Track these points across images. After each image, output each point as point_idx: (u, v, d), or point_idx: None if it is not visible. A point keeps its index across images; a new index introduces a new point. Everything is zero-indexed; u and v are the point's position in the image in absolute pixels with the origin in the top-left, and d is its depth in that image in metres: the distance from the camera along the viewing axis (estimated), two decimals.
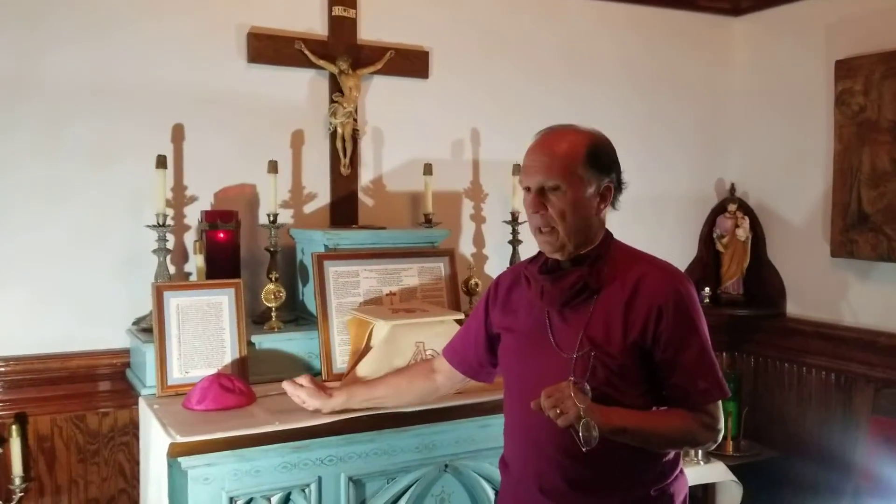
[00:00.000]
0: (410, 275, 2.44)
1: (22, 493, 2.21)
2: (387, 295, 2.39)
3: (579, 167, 1.56)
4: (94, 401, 2.41)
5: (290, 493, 1.91)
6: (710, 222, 3.39)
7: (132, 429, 2.40)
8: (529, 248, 2.82)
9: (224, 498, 1.83)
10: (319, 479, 1.93)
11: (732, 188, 3.39)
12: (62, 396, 2.37)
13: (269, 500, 1.89)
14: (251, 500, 1.87)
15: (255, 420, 1.90)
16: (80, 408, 2.39)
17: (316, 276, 2.30)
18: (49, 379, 2.35)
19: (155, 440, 1.93)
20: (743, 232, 3.29)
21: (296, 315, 2.50)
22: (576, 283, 1.57)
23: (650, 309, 1.54)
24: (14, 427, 2.20)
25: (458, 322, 2.20)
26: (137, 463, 2.37)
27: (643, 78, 3.26)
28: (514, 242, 2.82)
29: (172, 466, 1.82)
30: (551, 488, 1.58)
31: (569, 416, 1.40)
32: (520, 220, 2.80)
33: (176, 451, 1.77)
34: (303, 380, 1.91)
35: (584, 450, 1.40)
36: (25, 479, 2.29)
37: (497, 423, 2.09)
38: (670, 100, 3.31)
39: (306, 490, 1.92)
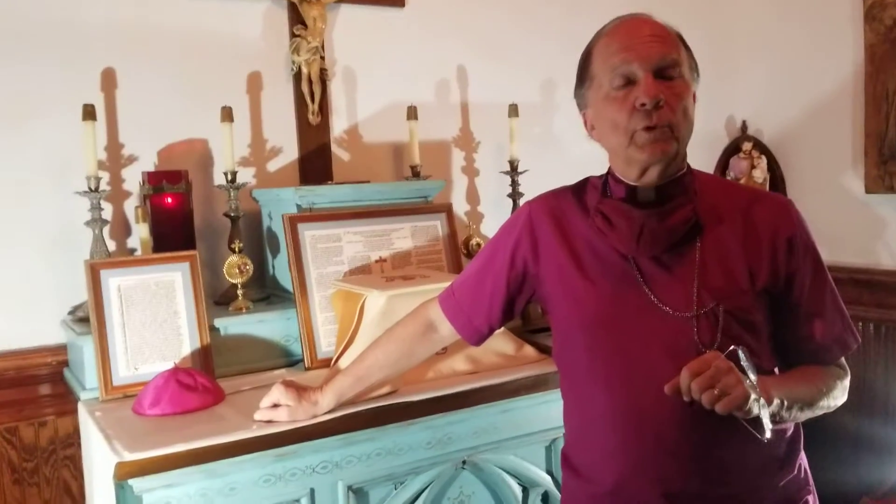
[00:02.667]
0: (402, 236, 2.05)
1: None
2: (376, 261, 2.00)
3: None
4: (27, 409, 1.98)
5: None
6: (723, 165, 3.04)
7: (77, 439, 1.98)
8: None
9: None
10: (312, 492, 1.54)
11: (744, 125, 3.05)
12: None
13: None
14: None
15: (226, 424, 1.51)
16: (10, 418, 1.96)
17: (289, 243, 1.90)
18: None
19: (98, 457, 1.52)
20: (760, 173, 2.95)
21: (267, 293, 2.09)
22: (688, 219, 1.21)
23: (776, 244, 1.20)
24: None
25: None
26: None
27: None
28: (515, 196, 2.44)
29: (122, 490, 1.41)
30: (680, 493, 1.21)
31: (736, 398, 1.06)
32: (519, 170, 2.42)
33: (125, 472, 1.36)
34: (277, 394, 1.51)
35: (765, 440, 1.09)
36: None
37: (522, 406, 1.75)
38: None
39: None
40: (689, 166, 1.29)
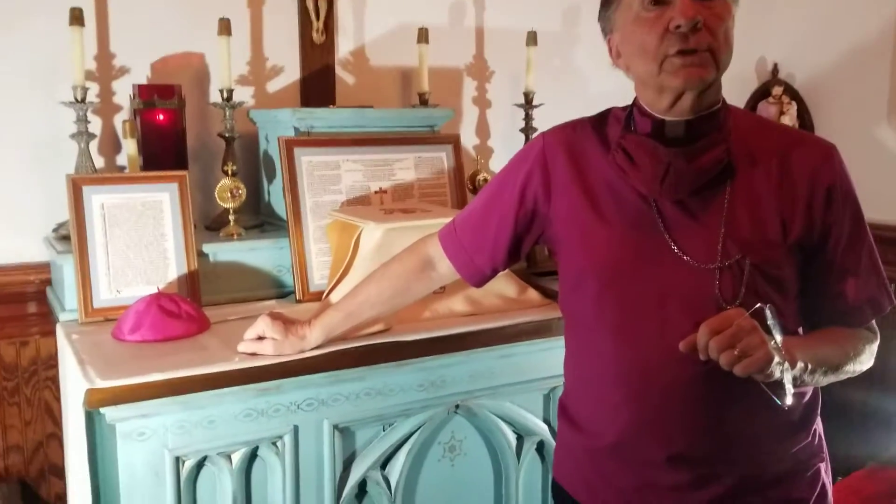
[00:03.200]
0: (405, 167, 1.93)
1: None
2: (376, 192, 1.89)
3: None
4: (8, 327, 1.91)
5: (256, 449, 1.46)
6: (751, 109, 2.89)
7: (59, 360, 1.92)
8: None
9: (167, 458, 1.36)
10: (295, 429, 1.47)
11: (776, 69, 2.89)
12: None
13: (228, 458, 1.43)
14: (204, 459, 1.42)
15: (208, 354, 1.43)
16: None
17: (284, 168, 1.79)
18: None
19: (73, 383, 1.45)
20: (789, 120, 2.80)
21: (261, 220, 1.99)
22: (720, 159, 1.10)
23: (814, 193, 1.09)
24: None
25: None
26: None
27: None
28: (528, 130, 2.31)
29: (94, 419, 1.34)
30: (685, 457, 1.13)
31: (758, 360, 0.97)
32: (534, 103, 2.28)
33: (96, 400, 1.29)
34: (263, 326, 1.42)
35: (785, 406, 1.00)
36: None
37: (521, 351, 1.66)
38: None
39: (278, 443, 1.46)
40: (724, 101, 1.17)
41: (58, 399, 1.96)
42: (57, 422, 1.96)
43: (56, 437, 1.97)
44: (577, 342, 1.28)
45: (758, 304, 1.02)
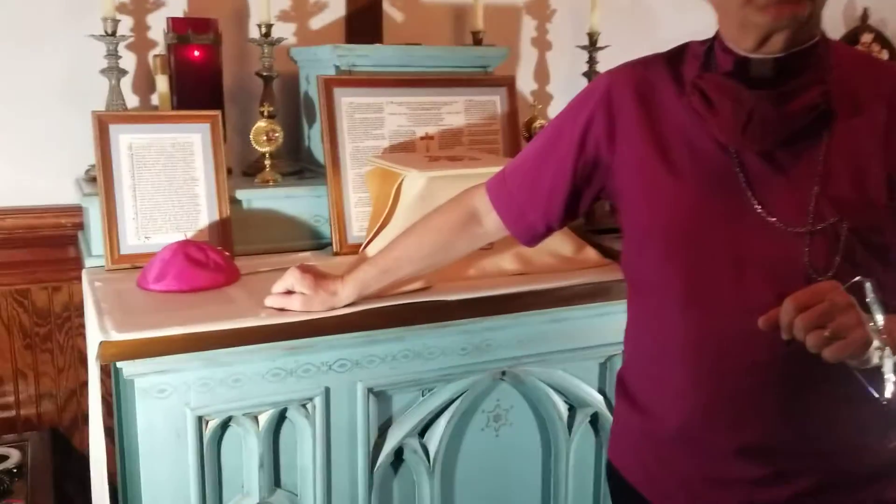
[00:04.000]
0: (454, 111, 1.78)
1: None
2: (421, 138, 1.75)
3: None
4: (40, 271, 1.84)
5: (285, 410, 1.36)
6: None
7: None
8: None
9: (189, 417, 1.27)
10: (327, 391, 1.37)
11: (865, 14, 2.63)
12: None
13: (255, 419, 1.34)
14: (229, 419, 1.32)
15: (234, 308, 1.32)
16: (21, 280, 1.83)
17: (323, 110, 1.66)
18: None
19: (91, 333, 1.37)
20: None
21: (300, 166, 1.87)
22: (815, 104, 0.94)
23: None
24: None
25: None
26: None
27: None
28: (591, 74, 2.13)
29: (117, 373, 1.26)
30: (758, 448, 0.99)
31: (853, 343, 0.82)
32: (599, 44, 2.10)
33: (110, 353, 1.20)
34: (292, 279, 1.30)
35: (884, 399, 0.84)
36: None
37: (577, 316, 1.52)
38: None
39: (308, 405, 1.36)
40: (823, 34, 0.99)
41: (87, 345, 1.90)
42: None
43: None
44: (640, 310, 1.14)
45: (857, 277, 0.86)
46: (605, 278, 1.52)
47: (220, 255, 1.47)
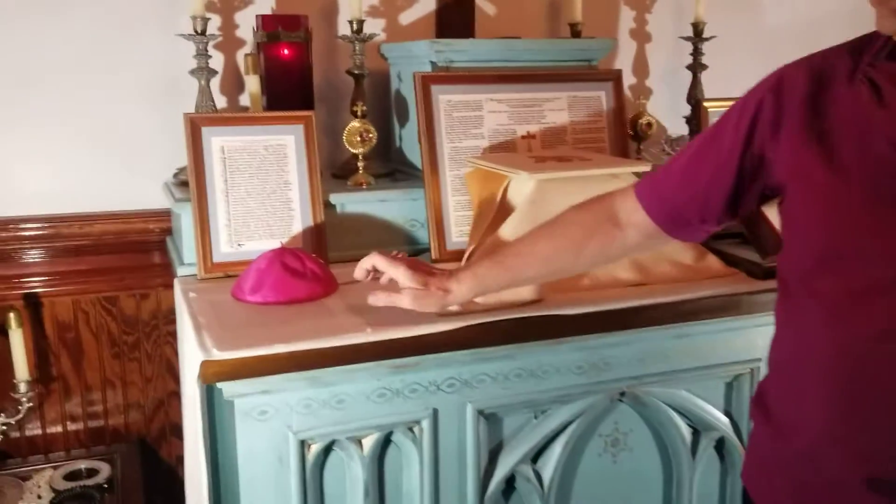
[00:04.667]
0: (557, 108, 1.66)
1: (31, 403, 1.64)
2: (523, 137, 1.64)
3: None
4: (128, 278, 1.80)
5: (390, 434, 1.26)
6: None
7: None
8: (716, 73, 2.00)
9: (291, 441, 1.19)
10: (435, 413, 1.27)
11: None
12: (85, 272, 1.76)
13: (359, 443, 1.25)
14: (332, 443, 1.23)
15: (336, 323, 1.23)
16: (109, 287, 1.79)
17: (420, 109, 1.56)
18: (66, 249, 1.74)
19: (188, 347, 1.30)
20: None
21: (391, 168, 1.78)
22: None
23: None
24: (13, 316, 1.60)
25: (639, 176, 1.45)
26: None
27: None
28: (696, 67, 1.99)
29: (211, 393, 1.18)
30: (889, 483, 0.87)
31: None
32: (705, 35, 1.96)
33: (212, 373, 1.12)
34: (400, 274, 1.18)
35: None
36: (39, 380, 1.73)
37: (702, 331, 1.39)
38: None
39: (415, 428, 1.27)
40: None
41: (177, 355, 1.84)
42: (178, 379, 1.85)
43: (177, 396, 1.86)
44: (786, 316, 1.01)
45: None
46: (733, 290, 1.39)
47: (317, 264, 1.39)
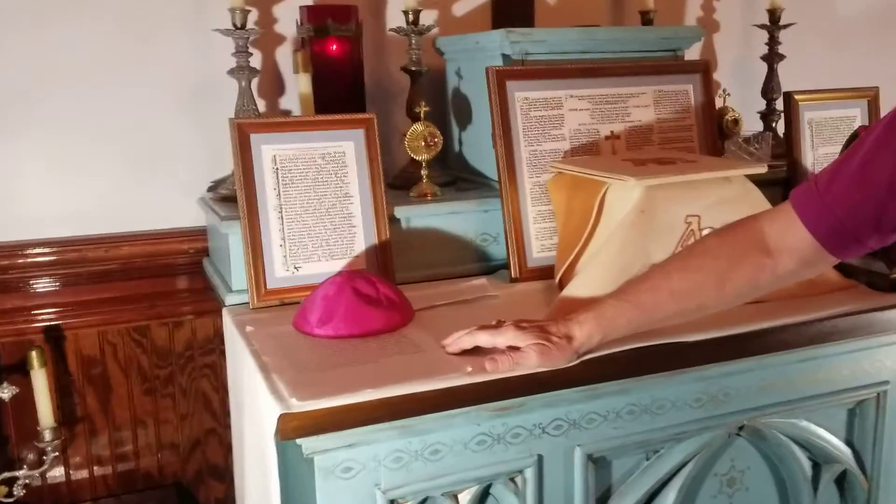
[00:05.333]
0: (642, 104, 1.49)
1: (56, 453, 1.45)
2: (606, 138, 1.46)
3: None
4: (160, 305, 1.61)
5: (489, 486, 1.08)
6: None
7: (219, 344, 1.61)
8: (794, 63, 1.84)
9: (380, 501, 1.00)
10: (539, 460, 1.09)
11: None
12: (112, 300, 1.58)
13: (455, 498, 1.06)
14: (424, 500, 1.05)
15: (429, 360, 1.05)
16: (139, 316, 1.60)
17: (494, 107, 1.38)
18: (90, 275, 1.55)
19: (250, 390, 1.11)
20: None
21: (452, 176, 1.60)
22: None
23: None
24: (35, 354, 1.40)
25: (759, 183, 1.27)
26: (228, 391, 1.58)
27: None
28: (772, 58, 1.82)
29: (287, 450, 1.00)
30: None
31: None
32: (781, 23, 1.78)
33: (293, 429, 0.93)
34: (504, 338, 1.01)
35: None
36: (63, 422, 1.55)
37: (826, 354, 1.22)
38: None
39: (517, 479, 1.08)
40: None
41: (216, 390, 1.66)
42: (216, 415, 1.67)
43: (215, 434, 1.68)
44: None
45: None
46: (864, 306, 1.21)
47: (392, 289, 1.20)
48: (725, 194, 1.23)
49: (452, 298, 1.28)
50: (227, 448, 1.64)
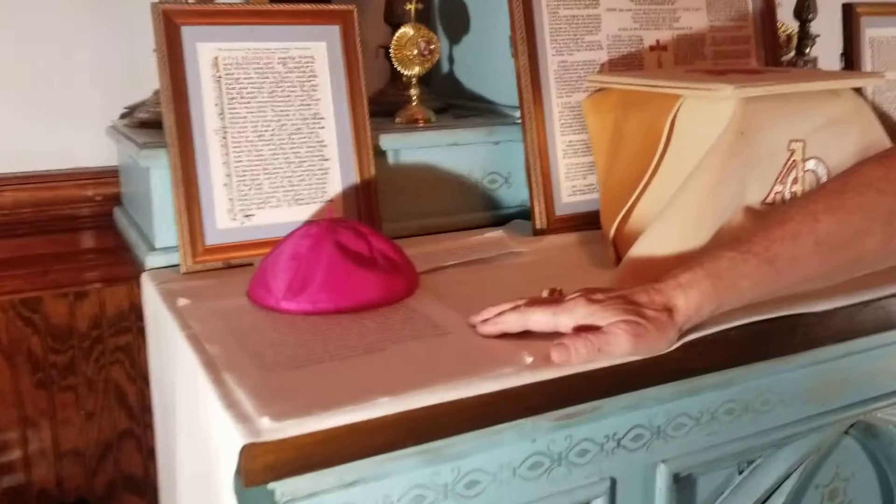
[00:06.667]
0: (692, 6, 1.16)
1: None
2: (651, 49, 1.13)
3: None
4: (54, 271, 1.21)
5: None
6: None
7: (136, 320, 1.23)
8: None
9: None
10: (612, 485, 0.76)
11: None
12: None
13: None
14: None
15: (456, 346, 0.71)
16: (29, 285, 1.20)
17: (516, 5, 1.02)
18: None
19: (188, 394, 0.75)
20: None
21: (444, 102, 1.24)
22: None
23: None
24: None
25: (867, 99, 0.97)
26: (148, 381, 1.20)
27: None
28: None
29: (247, 496, 0.64)
30: None
31: None
32: None
33: (265, 467, 0.57)
34: (570, 315, 0.68)
35: None
36: None
37: None
38: None
39: None
40: None
41: (132, 380, 1.28)
42: (133, 413, 1.29)
43: (132, 437, 1.30)
44: None
45: None
46: None
47: (388, 243, 0.85)
48: (834, 113, 0.92)
49: (465, 257, 0.94)
50: (149, 454, 1.25)
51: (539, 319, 0.70)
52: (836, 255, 0.70)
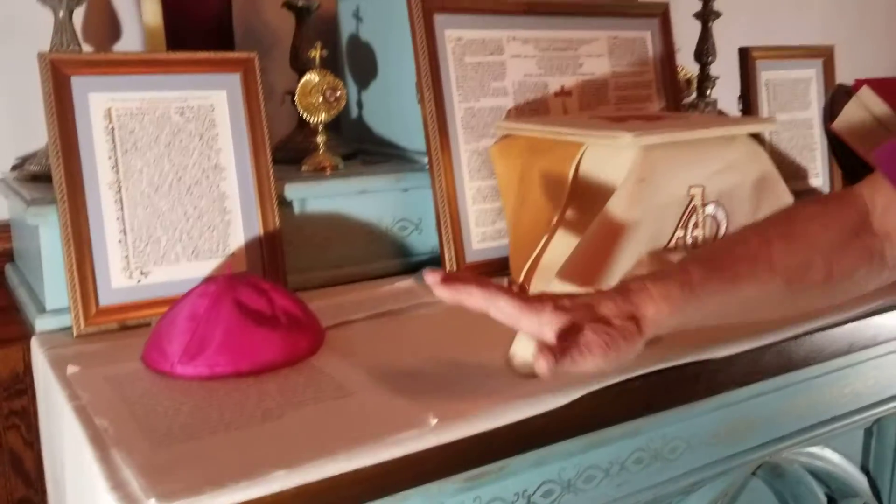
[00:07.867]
0: (594, 52, 1.18)
1: None
2: (556, 94, 1.14)
3: None
4: None
5: None
6: None
7: (31, 382, 1.16)
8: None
9: None
10: None
11: None
12: None
13: None
14: None
15: (364, 409, 0.69)
16: None
17: (422, 49, 1.02)
18: None
19: (75, 469, 0.70)
20: None
21: (353, 148, 1.23)
22: None
23: None
24: None
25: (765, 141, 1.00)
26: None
27: None
28: (707, 14, 1.57)
29: None
30: None
31: None
32: None
33: None
34: (538, 321, 0.64)
35: None
36: None
37: (849, 363, 0.96)
38: None
39: None
40: None
41: (29, 444, 1.21)
42: (30, 480, 1.21)
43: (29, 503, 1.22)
44: None
45: None
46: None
47: (290, 298, 0.82)
48: (731, 157, 0.94)
49: (373, 309, 0.92)
50: None
51: (505, 309, 0.64)
52: (792, 280, 0.69)
